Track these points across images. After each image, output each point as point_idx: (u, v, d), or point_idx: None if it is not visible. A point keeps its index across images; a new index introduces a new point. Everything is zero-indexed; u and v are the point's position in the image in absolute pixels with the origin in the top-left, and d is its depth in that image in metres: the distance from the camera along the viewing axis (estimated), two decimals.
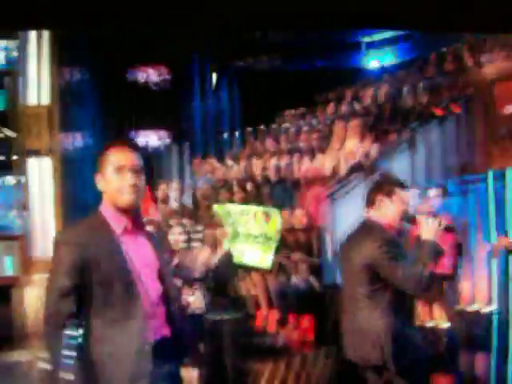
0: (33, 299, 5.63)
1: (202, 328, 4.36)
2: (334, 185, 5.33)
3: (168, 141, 10.13)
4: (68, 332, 1.76)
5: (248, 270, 5.74)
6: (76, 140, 7.42)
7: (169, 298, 1.97)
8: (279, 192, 6.00)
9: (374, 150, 5.28)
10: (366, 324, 2.78)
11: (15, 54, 6.79)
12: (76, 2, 2.25)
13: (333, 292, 4.78)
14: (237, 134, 9.83)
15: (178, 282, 4.36)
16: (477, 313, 5.17)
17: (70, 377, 1.71)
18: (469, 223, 5.39)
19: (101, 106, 8.38)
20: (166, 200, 7.13)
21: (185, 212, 6.68)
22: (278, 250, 5.46)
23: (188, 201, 7.31)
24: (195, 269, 4.41)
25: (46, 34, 6.27)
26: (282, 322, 5.43)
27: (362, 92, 8.67)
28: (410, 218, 2.98)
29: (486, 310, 5.23)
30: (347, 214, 4.52)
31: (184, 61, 11.17)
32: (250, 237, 5.65)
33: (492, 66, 6.83)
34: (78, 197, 6.25)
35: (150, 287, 1.91)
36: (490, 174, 6.28)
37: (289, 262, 5.36)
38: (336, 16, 2.02)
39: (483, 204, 6.06)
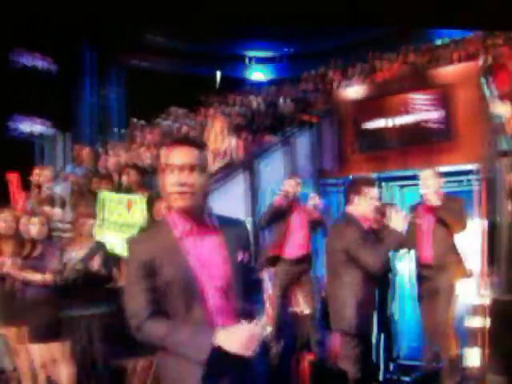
0: None
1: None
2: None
3: (52, 129, 9.97)
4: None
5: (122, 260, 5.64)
6: None
7: (232, 296, 1.86)
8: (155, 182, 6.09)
9: (244, 148, 5.70)
10: (341, 297, 3.31)
11: None
12: None
13: None
14: (120, 126, 9.94)
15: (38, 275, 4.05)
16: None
17: None
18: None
19: None
20: (38, 187, 6.92)
21: (57, 200, 6.46)
22: None
23: (64, 189, 7.24)
24: (58, 260, 4.09)
25: None
26: None
27: (243, 98, 9.43)
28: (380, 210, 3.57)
29: None
30: (218, 210, 4.87)
31: (73, 51, 11.09)
32: (124, 225, 5.16)
33: (352, 89, 7.91)
34: None
35: (211, 287, 1.84)
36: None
37: None
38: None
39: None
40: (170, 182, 1.81)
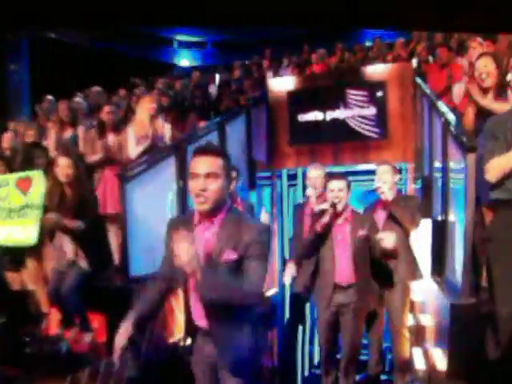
0: None
1: None
2: (126, 164, 4.90)
3: None
4: None
5: (19, 256, 4.55)
6: None
7: (197, 287, 1.99)
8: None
9: (167, 132, 5.26)
10: None
11: None
12: None
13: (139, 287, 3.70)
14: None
15: None
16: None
17: None
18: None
19: None
20: None
21: None
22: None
23: None
24: None
25: None
26: (66, 324, 4.21)
27: (169, 82, 8.96)
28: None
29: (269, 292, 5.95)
30: (141, 195, 4.44)
31: None
32: (12, 211, 4.39)
33: (286, 79, 7.67)
34: None
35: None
36: (284, 172, 7.22)
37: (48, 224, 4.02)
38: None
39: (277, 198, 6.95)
40: (192, 187, 2.05)
